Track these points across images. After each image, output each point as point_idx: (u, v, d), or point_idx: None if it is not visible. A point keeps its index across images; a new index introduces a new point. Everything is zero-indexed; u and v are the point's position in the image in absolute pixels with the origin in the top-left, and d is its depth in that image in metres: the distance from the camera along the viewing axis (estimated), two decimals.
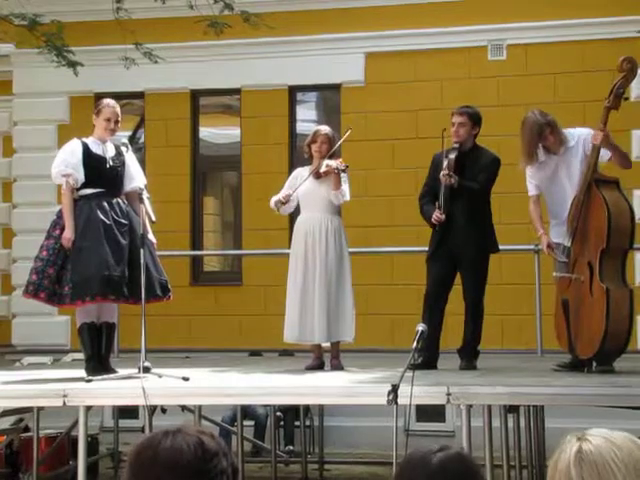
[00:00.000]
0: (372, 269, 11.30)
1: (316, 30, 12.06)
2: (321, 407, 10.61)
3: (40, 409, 8.40)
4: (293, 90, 12.47)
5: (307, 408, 10.81)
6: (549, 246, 7.28)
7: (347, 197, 7.94)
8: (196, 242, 12.70)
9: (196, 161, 12.72)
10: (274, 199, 8.04)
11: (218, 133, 13.08)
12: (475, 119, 7.75)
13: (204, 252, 12.91)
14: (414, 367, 5.39)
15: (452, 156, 7.53)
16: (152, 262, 7.16)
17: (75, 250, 6.96)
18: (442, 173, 7.47)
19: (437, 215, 7.51)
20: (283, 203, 7.94)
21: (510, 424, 7.61)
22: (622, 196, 7.10)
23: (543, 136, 7.23)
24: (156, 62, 11.18)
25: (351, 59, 12.11)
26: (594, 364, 7.02)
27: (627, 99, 7.17)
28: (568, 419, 9.82)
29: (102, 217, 7.04)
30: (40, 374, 7.88)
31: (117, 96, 11.27)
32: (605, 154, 7.16)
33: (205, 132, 12.87)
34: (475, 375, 7.09)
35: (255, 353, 11.19)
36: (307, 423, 10.91)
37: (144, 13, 11.59)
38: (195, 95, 12.67)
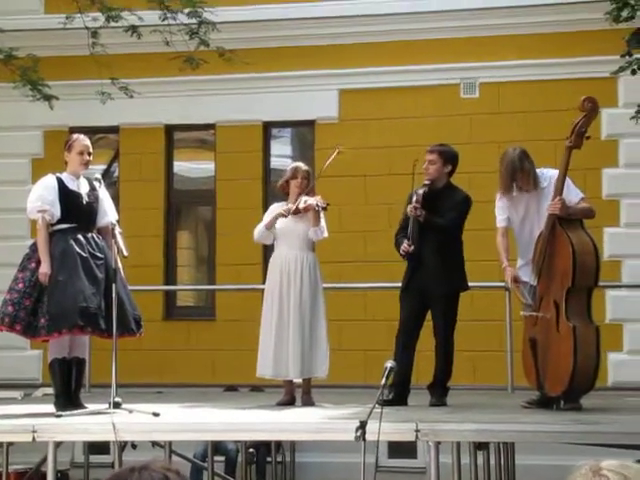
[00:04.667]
0: (345, 304, 11.32)
1: (291, 66, 12.15)
2: (293, 443, 10.60)
3: (10, 444, 8.35)
4: (268, 126, 12.54)
5: (279, 444, 10.79)
6: (515, 280, 7.34)
7: (325, 234, 8.00)
8: (169, 276, 12.69)
9: (170, 195, 12.75)
10: (261, 225, 8.00)
11: (192, 168, 13.13)
12: (447, 157, 7.83)
13: (177, 287, 12.90)
14: (383, 403, 5.42)
15: (421, 191, 7.64)
16: (126, 296, 7.17)
17: (52, 282, 6.96)
18: (409, 206, 7.56)
19: (405, 246, 7.58)
20: (268, 227, 7.94)
21: (480, 461, 7.65)
22: (586, 234, 7.16)
23: (522, 169, 7.32)
24: (132, 97, 11.22)
25: (325, 95, 12.20)
26: (562, 401, 7.06)
27: (589, 138, 7.21)
28: (538, 456, 9.90)
29: (78, 250, 7.05)
30: (10, 409, 7.83)
31: (92, 130, 11.40)
32: (574, 198, 7.23)
33: (179, 166, 12.92)
34: (444, 412, 7.12)
35: (231, 388, 11.18)
36: (279, 459, 10.89)
37: (120, 48, 11.63)
38: (170, 130, 12.72)
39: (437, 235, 7.57)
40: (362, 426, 5.02)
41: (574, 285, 6.95)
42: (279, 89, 12.18)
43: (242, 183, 12.34)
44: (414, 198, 7.60)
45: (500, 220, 7.51)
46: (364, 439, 5.01)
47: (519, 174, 7.30)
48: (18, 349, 11.63)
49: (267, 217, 8.10)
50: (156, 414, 6.67)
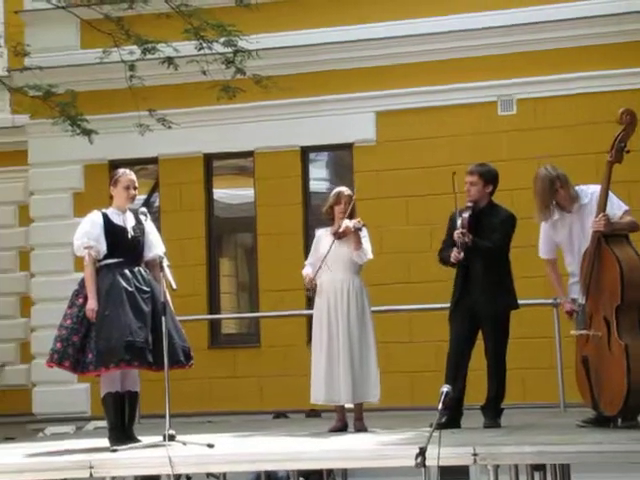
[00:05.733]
0: (390, 327, 11.28)
1: (326, 91, 12.20)
2: (345, 469, 10.54)
3: None
4: (305, 150, 12.58)
5: (330, 470, 10.73)
6: (569, 314, 7.25)
7: (370, 255, 7.99)
8: (213, 305, 12.72)
9: (211, 223, 12.80)
10: (306, 272, 8.03)
11: (232, 195, 13.17)
12: (487, 177, 7.77)
13: (222, 316, 12.93)
14: (440, 427, 5.37)
15: (466, 215, 7.55)
16: (174, 329, 7.18)
17: (98, 318, 6.99)
18: (456, 232, 7.49)
19: (455, 253, 7.51)
20: (309, 289, 7.98)
21: None
22: (632, 249, 7.06)
23: (554, 189, 7.23)
24: (170, 127, 11.31)
25: (362, 118, 12.23)
26: (619, 420, 6.97)
27: (629, 152, 7.11)
28: (594, 474, 9.80)
29: (124, 284, 7.07)
30: (64, 444, 7.86)
31: (131, 162, 11.49)
32: (618, 212, 7.14)
33: (219, 194, 12.97)
34: (500, 434, 7.05)
35: (280, 415, 11.15)
36: None
37: (157, 80, 11.74)
38: (208, 158, 12.79)
39: (484, 256, 7.52)
40: (422, 452, 4.97)
41: (623, 302, 6.85)
42: (316, 113, 12.23)
43: (282, 208, 12.37)
44: (459, 222, 7.53)
45: (543, 252, 7.41)
46: (424, 465, 4.97)
47: (557, 184, 7.20)
48: (65, 383, 11.69)
49: (314, 249, 8.11)
50: (211, 445, 6.66)
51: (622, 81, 11.40)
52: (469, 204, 7.65)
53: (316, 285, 7.93)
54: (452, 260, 7.57)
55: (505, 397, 7.81)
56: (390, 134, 12.17)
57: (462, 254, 7.48)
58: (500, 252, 7.63)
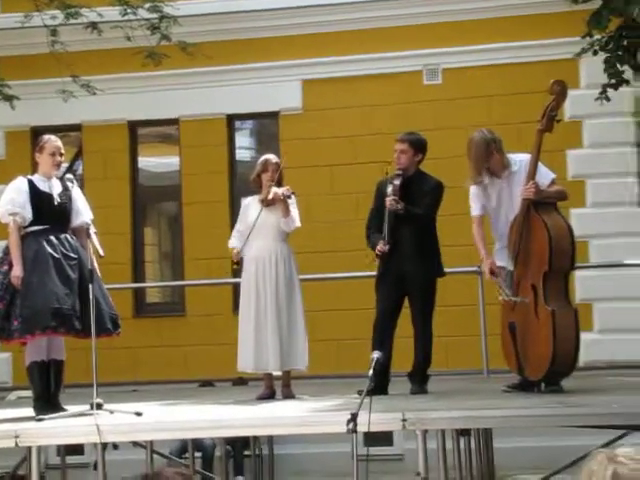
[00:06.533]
0: (316, 295, 11.30)
1: (252, 58, 12.11)
2: (270, 436, 10.58)
3: None
4: (231, 118, 12.49)
5: (255, 437, 10.77)
6: (492, 272, 7.32)
7: (297, 223, 7.99)
8: (138, 274, 12.62)
9: (136, 192, 12.67)
10: (232, 245, 8.00)
11: (157, 163, 13.05)
12: (417, 146, 7.82)
13: (147, 284, 12.83)
14: (370, 394, 5.41)
15: (397, 182, 7.60)
16: (102, 296, 7.11)
17: (24, 285, 6.89)
18: (387, 199, 7.53)
19: (381, 247, 7.56)
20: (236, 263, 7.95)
21: (462, 446, 7.68)
22: (561, 217, 7.18)
23: (489, 151, 7.30)
24: (94, 94, 11.15)
25: (288, 86, 12.18)
26: (543, 385, 7.10)
27: (559, 121, 7.23)
28: (516, 438, 9.99)
29: (50, 251, 6.97)
30: None
31: (54, 129, 11.26)
32: (545, 181, 7.24)
33: (144, 162, 12.83)
34: (427, 399, 7.14)
35: (206, 383, 11.13)
36: (256, 452, 10.87)
37: (80, 45, 11.53)
38: (133, 126, 12.63)
39: (413, 224, 7.57)
40: (353, 418, 5.00)
41: (551, 269, 6.97)
42: (242, 81, 12.14)
43: (208, 177, 12.29)
44: (389, 189, 7.57)
45: (475, 209, 7.48)
46: (356, 431, 5.00)
47: (492, 146, 7.28)
48: None
49: (240, 218, 8.09)
50: (139, 414, 6.62)
51: (546, 52, 11.50)
52: (399, 172, 7.69)
53: (242, 259, 7.92)
54: (377, 252, 7.61)
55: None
56: (316, 103, 12.14)
57: (387, 247, 7.51)
58: (429, 220, 7.69)
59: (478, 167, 7.32)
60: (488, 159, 7.30)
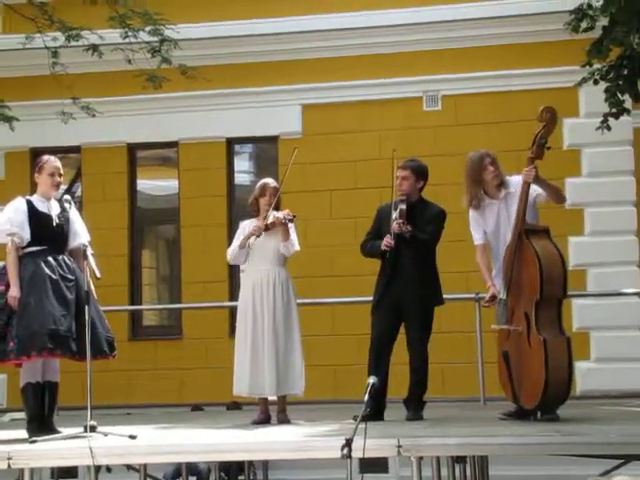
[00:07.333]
0: (313, 320, 11.28)
1: (253, 83, 12.16)
2: (266, 461, 10.52)
3: None
4: (231, 142, 12.52)
5: (250, 462, 10.71)
6: (492, 299, 7.28)
7: (297, 247, 7.97)
8: (135, 296, 12.60)
9: (134, 214, 12.66)
10: (234, 246, 7.94)
11: (156, 186, 13.05)
12: (418, 172, 7.82)
13: (143, 307, 12.80)
14: (366, 419, 5.38)
15: (403, 206, 7.56)
16: (98, 318, 7.08)
17: (21, 306, 6.87)
18: (395, 222, 7.48)
19: (388, 240, 7.50)
20: (242, 247, 7.87)
21: (457, 473, 7.64)
22: (552, 244, 7.12)
23: (483, 165, 7.29)
24: (94, 116, 11.16)
25: (288, 111, 12.21)
26: (539, 413, 7.07)
27: (549, 148, 7.20)
28: (512, 467, 9.92)
29: (48, 272, 6.96)
30: None
31: (53, 151, 11.25)
32: (541, 194, 7.23)
33: (143, 185, 12.83)
34: (423, 426, 7.10)
35: (197, 408, 11.08)
36: (251, 477, 10.80)
37: (81, 68, 11.56)
38: (132, 148, 12.65)
39: (416, 249, 7.53)
40: (348, 444, 4.98)
41: (542, 297, 6.93)
42: (242, 105, 12.18)
43: (206, 200, 12.30)
44: (394, 215, 7.53)
45: (477, 238, 7.43)
46: (350, 457, 4.97)
47: (487, 160, 7.28)
48: None
49: (238, 237, 8.03)
50: (133, 437, 6.59)
51: (546, 80, 11.56)
52: (402, 197, 7.67)
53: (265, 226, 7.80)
54: (383, 247, 7.54)
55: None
56: (316, 127, 12.17)
57: (394, 241, 7.47)
58: (432, 246, 7.68)
59: (474, 190, 7.30)
60: (482, 173, 7.28)
